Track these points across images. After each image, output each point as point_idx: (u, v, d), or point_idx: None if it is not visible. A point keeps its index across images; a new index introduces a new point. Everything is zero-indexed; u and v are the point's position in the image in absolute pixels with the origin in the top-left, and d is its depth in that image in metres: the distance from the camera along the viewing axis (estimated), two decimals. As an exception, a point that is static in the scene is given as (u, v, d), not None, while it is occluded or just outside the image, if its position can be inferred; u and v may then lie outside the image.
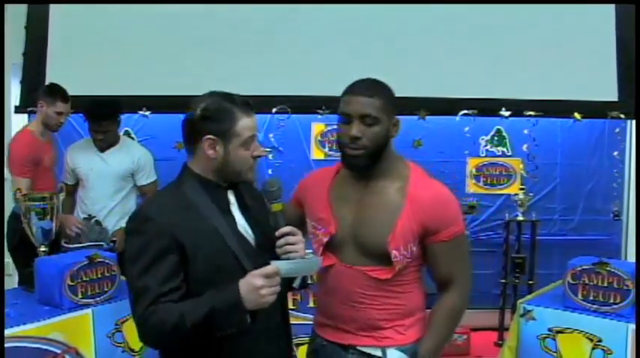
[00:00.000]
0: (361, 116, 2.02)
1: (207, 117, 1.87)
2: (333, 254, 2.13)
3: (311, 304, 3.21)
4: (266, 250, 1.94)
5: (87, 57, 4.83)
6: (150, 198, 1.96)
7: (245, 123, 1.89)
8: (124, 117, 4.25)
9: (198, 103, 1.89)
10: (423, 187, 2.09)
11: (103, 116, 3.96)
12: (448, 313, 2.16)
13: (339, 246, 2.12)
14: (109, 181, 4.03)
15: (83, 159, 4.07)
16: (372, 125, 2.03)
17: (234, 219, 1.95)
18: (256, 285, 1.73)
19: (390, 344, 2.11)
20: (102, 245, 3.64)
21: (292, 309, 2.86)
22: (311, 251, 2.10)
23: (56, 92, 3.99)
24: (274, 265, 1.79)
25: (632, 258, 5.01)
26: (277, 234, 1.89)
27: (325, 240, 2.12)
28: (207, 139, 1.87)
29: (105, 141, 4.02)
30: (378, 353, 2.11)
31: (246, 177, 1.95)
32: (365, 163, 2.07)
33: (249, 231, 1.96)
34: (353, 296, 2.11)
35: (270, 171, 4.94)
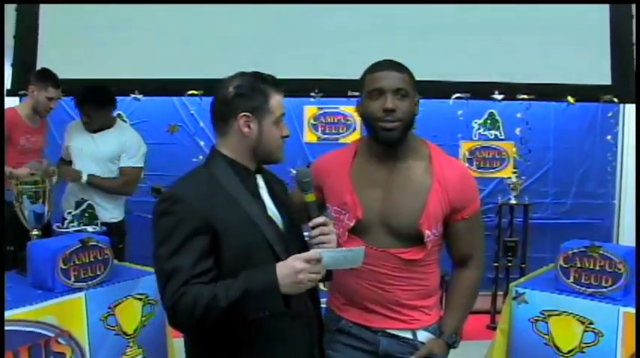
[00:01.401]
0: (395, 90, 2.05)
1: (241, 94, 1.87)
2: (358, 237, 2.12)
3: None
4: (294, 236, 1.95)
5: (78, 40, 4.80)
6: (180, 181, 1.91)
7: (277, 100, 1.91)
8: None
9: (229, 83, 1.90)
10: (448, 167, 2.12)
11: (92, 104, 3.95)
12: (470, 288, 2.23)
13: (365, 229, 2.12)
14: (97, 162, 4.01)
15: (76, 138, 4.07)
16: (404, 97, 2.06)
17: (264, 203, 1.93)
18: (296, 268, 1.71)
19: (418, 326, 2.16)
20: (95, 228, 3.62)
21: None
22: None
23: (47, 77, 3.97)
24: (317, 251, 1.76)
25: (624, 241, 5.05)
26: (311, 224, 1.88)
27: (351, 224, 2.12)
28: (242, 116, 1.86)
29: (91, 125, 4.02)
30: (408, 335, 2.15)
31: (277, 157, 1.95)
32: (399, 136, 2.08)
33: (278, 216, 1.95)
34: (381, 278, 2.12)
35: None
